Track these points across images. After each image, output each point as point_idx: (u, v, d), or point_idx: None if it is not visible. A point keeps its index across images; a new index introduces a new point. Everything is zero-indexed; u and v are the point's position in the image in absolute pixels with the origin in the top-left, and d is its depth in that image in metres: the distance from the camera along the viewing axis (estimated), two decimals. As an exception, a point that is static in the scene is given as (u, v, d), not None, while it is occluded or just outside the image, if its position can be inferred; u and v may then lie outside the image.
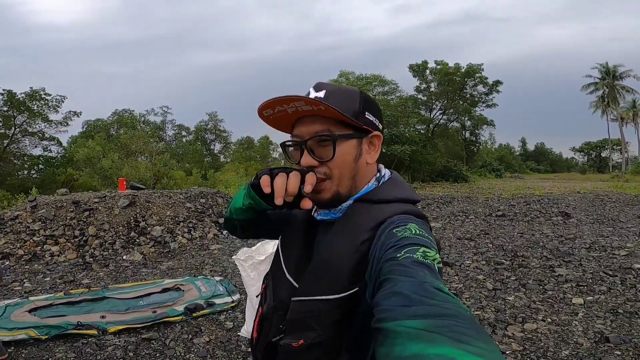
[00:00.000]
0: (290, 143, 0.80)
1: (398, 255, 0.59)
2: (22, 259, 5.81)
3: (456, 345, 0.40)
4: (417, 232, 0.65)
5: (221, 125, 38.39)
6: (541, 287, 4.23)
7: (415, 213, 0.75)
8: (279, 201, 0.71)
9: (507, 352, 2.86)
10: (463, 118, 30.41)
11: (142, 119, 35.46)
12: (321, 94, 0.76)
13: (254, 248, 2.87)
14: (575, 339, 3.01)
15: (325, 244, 0.76)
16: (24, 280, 4.86)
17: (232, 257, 2.97)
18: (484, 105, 27.89)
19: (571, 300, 3.81)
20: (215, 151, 38.90)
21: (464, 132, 33.59)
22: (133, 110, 35.35)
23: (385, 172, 0.84)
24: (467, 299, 3.97)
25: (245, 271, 2.78)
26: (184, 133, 38.48)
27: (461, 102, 27.21)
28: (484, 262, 5.28)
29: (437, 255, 0.61)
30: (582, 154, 59.44)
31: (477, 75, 26.06)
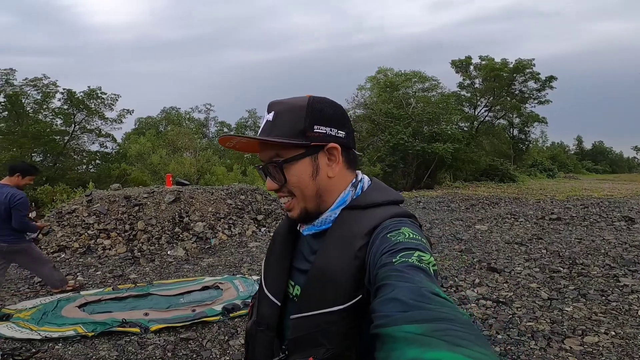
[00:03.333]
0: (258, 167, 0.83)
1: (394, 260, 0.59)
2: (77, 252, 6.17)
3: (452, 349, 0.40)
4: (411, 235, 0.65)
5: (260, 122, 39.19)
6: (604, 297, 3.87)
7: (405, 214, 0.75)
8: None
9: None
10: (511, 115, 28.79)
11: (187, 116, 36.98)
12: (270, 115, 0.77)
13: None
14: (641, 355, 2.72)
15: (320, 257, 0.75)
16: (77, 274, 5.14)
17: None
18: (536, 101, 26.20)
19: (637, 312, 3.48)
20: (255, 147, 39.75)
21: (511, 130, 31.82)
22: (179, 108, 37.02)
23: (364, 178, 0.83)
24: (519, 309, 3.70)
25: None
26: (225, 130, 39.69)
27: (509, 99, 25.75)
28: (538, 269, 4.91)
29: (432, 259, 0.61)
30: (646, 153, 54.39)
31: (528, 70, 24.50)
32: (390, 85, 22.75)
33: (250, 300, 3.69)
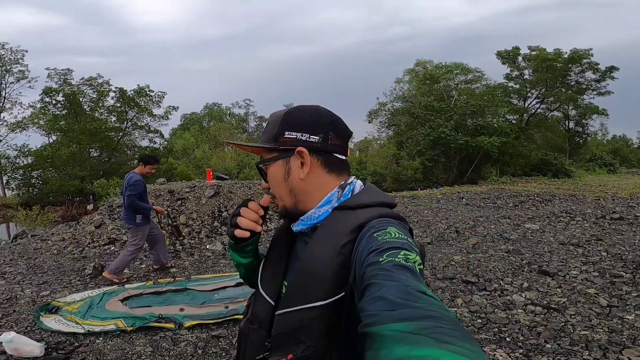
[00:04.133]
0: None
1: (380, 259, 0.60)
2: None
3: (440, 346, 0.40)
4: (397, 235, 0.66)
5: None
6: (672, 307, 3.43)
7: (394, 215, 0.76)
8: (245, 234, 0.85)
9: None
10: (566, 107, 26.77)
11: (228, 111, 38.07)
12: (265, 124, 0.89)
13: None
14: None
15: (307, 251, 0.76)
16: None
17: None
18: (595, 93, 24.15)
19: None
20: (292, 141, 40.37)
21: (567, 123, 29.62)
22: (221, 104, 38.29)
23: (355, 182, 0.85)
24: (572, 316, 3.38)
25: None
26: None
27: (564, 90, 23.94)
28: (596, 274, 4.48)
29: (418, 258, 0.61)
30: None
31: (585, 61, 22.60)
32: (430, 77, 21.97)
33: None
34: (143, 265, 5.39)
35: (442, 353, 0.39)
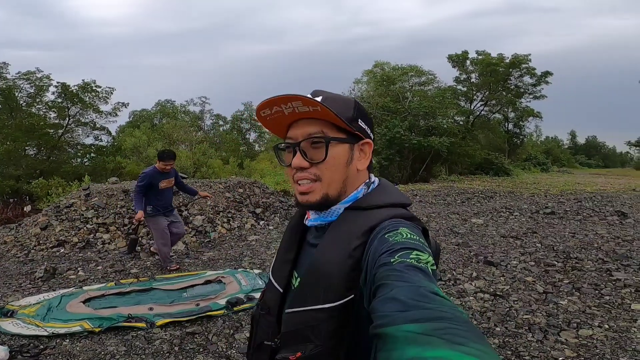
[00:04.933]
0: (283, 146, 0.83)
1: (392, 260, 0.60)
2: (76, 247, 6.17)
3: (452, 347, 0.40)
4: (409, 236, 0.66)
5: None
6: (597, 291, 3.96)
7: (406, 216, 0.76)
8: None
9: (560, 359, 2.72)
10: (506, 109, 28.97)
11: (183, 109, 36.70)
12: (318, 99, 0.77)
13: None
14: (633, 346, 2.82)
15: (317, 253, 0.76)
16: (78, 269, 5.15)
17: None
18: (531, 96, 26.42)
19: (630, 307, 3.56)
20: (250, 140, 39.74)
21: (506, 124, 32.03)
22: (174, 101, 36.72)
23: (375, 180, 0.85)
24: (515, 302, 3.79)
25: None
26: (220, 122, 39.46)
27: (505, 93, 25.91)
28: (533, 263, 5.00)
29: (430, 258, 0.61)
30: (638, 148, 54.76)
31: (524, 66, 24.65)
32: (387, 79, 22.75)
33: (252, 294, 3.76)
34: (99, 267, 5.20)
35: (454, 354, 0.39)
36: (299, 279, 0.81)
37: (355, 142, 0.80)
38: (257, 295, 3.80)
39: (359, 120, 0.80)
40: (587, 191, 13.71)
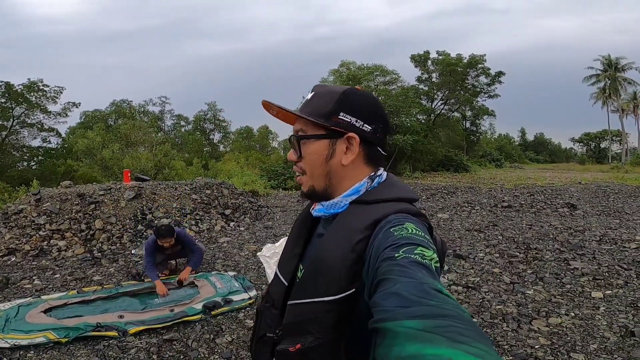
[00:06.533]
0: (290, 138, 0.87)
1: (396, 254, 0.59)
2: (29, 255, 5.72)
3: (453, 346, 0.40)
4: (414, 231, 0.65)
5: (220, 115, 38.31)
6: (559, 280, 4.19)
7: (412, 211, 0.74)
8: None
9: (536, 347, 2.84)
10: (464, 108, 30.33)
11: (141, 109, 35.14)
12: (310, 95, 0.82)
13: (277, 244, 2.80)
14: (601, 333, 3.00)
15: (320, 245, 0.76)
16: (34, 278, 4.76)
17: (257, 254, 2.91)
18: (486, 95, 27.85)
19: (590, 294, 3.78)
20: (214, 141, 38.84)
21: (464, 122, 33.51)
22: (131, 101, 35.07)
23: (383, 174, 0.83)
24: (487, 293, 3.94)
25: (271, 268, 2.72)
26: (182, 123, 38.28)
27: (462, 93, 27.11)
28: (498, 255, 5.24)
29: (435, 255, 0.61)
30: (581, 144, 59.17)
31: (480, 66, 25.95)
32: (353, 78, 23.03)
33: (230, 297, 3.65)
34: (57, 275, 4.84)
35: (455, 353, 0.39)
36: (302, 271, 0.81)
37: (337, 137, 0.78)
38: (235, 297, 3.70)
39: (341, 113, 0.78)
40: (538, 185, 14.62)
